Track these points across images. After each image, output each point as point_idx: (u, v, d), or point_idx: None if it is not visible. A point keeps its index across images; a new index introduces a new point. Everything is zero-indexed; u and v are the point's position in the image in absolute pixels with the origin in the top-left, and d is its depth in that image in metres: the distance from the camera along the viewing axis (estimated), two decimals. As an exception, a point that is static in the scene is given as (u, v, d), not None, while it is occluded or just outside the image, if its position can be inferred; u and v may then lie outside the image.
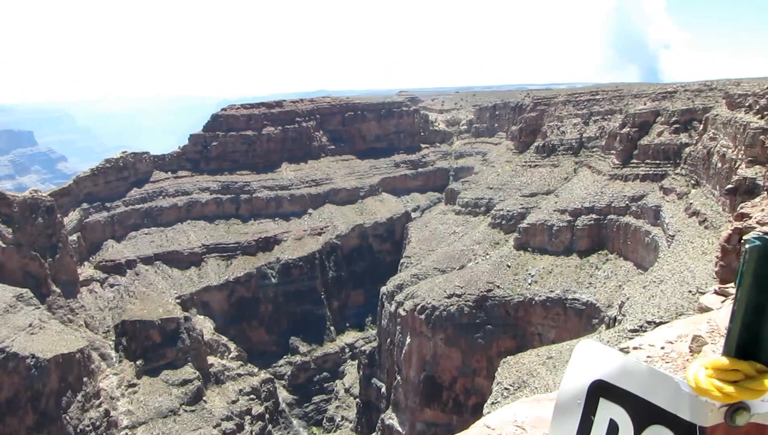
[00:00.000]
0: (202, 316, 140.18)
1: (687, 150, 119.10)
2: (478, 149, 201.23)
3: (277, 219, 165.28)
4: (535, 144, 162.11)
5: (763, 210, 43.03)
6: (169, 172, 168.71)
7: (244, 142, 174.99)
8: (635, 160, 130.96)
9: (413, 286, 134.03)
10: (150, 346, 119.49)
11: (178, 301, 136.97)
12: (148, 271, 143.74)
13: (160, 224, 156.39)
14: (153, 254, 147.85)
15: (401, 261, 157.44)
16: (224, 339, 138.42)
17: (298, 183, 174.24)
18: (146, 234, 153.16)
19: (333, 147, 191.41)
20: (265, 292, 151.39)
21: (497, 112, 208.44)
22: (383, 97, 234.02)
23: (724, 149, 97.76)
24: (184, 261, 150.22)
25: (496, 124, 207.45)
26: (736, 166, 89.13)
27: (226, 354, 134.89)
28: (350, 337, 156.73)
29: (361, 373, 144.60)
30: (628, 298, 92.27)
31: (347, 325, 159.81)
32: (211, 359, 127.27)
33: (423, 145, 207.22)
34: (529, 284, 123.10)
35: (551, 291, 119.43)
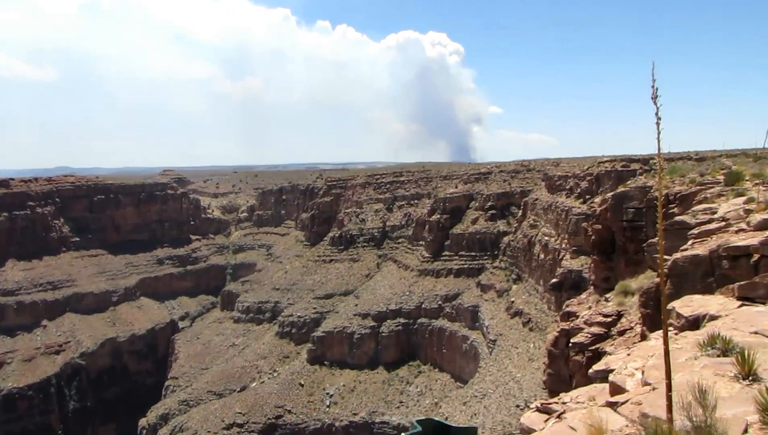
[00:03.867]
0: None
1: (505, 239, 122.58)
2: (261, 241, 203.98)
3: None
4: (331, 234, 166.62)
5: (590, 307, 40.18)
6: None
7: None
8: (447, 252, 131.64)
9: (182, 416, 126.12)
10: None
11: None
12: None
13: None
14: None
15: (166, 384, 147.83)
16: None
17: (28, 286, 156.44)
18: None
19: (77, 239, 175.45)
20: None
21: (284, 197, 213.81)
22: (143, 177, 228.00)
23: (546, 238, 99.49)
24: None
25: (283, 211, 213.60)
26: (560, 257, 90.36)
27: None
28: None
29: None
30: (446, 418, 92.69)
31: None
32: None
33: (193, 237, 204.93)
34: (328, 407, 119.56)
35: (354, 414, 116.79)
